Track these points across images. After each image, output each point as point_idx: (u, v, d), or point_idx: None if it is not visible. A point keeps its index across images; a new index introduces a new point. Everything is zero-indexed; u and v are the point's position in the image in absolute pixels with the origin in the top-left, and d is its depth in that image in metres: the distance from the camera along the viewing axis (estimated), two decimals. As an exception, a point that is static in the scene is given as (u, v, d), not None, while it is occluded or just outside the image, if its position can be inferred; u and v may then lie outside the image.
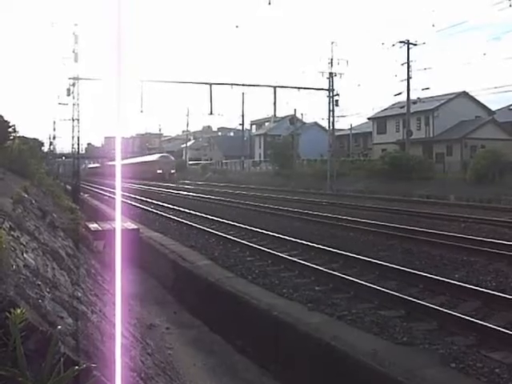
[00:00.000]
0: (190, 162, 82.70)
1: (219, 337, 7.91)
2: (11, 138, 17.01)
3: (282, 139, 60.74)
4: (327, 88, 41.71)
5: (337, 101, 42.30)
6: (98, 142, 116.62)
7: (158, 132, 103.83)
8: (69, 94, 37.20)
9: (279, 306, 7.15)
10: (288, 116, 61.10)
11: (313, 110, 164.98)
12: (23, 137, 21.67)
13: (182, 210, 21.36)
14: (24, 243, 4.34)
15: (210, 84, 37.08)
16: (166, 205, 23.97)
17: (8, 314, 2.08)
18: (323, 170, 42.98)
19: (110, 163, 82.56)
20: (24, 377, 1.99)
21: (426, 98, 44.25)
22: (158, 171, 66.84)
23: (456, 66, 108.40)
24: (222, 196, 29.39)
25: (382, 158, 41.12)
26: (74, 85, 36.45)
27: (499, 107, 54.94)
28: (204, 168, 72.42)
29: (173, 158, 74.26)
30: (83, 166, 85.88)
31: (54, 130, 65.50)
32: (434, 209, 19.37)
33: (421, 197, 29.59)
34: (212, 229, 15.13)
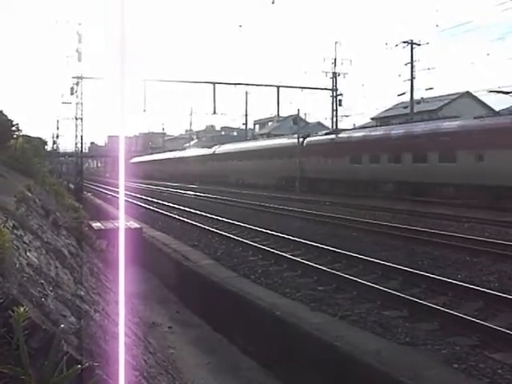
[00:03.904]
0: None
1: (221, 336, 7.92)
2: (15, 136, 17.06)
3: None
4: (331, 88, 41.65)
5: (340, 100, 42.25)
6: (101, 141, 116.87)
7: (161, 131, 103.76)
8: (72, 93, 37.24)
9: (282, 305, 7.16)
10: (291, 116, 60.91)
11: (316, 110, 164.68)
12: (27, 136, 21.74)
13: (185, 209, 21.39)
14: (27, 242, 4.35)
15: (214, 83, 37.12)
16: (170, 204, 24.05)
17: (11, 313, 2.09)
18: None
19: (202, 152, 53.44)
20: (27, 375, 2.00)
21: (430, 98, 44.06)
22: None
23: (460, 66, 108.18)
24: (225, 195, 29.40)
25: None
26: (77, 84, 36.51)
27: (503, 107, 54.75)
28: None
29: None
30: (86, 164, 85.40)
31: (58, 128, 65.39)
32: (438, 208, 19.30)
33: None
34: (215, 228, 15.15)
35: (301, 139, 35.18)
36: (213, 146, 54.45)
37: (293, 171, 34.60)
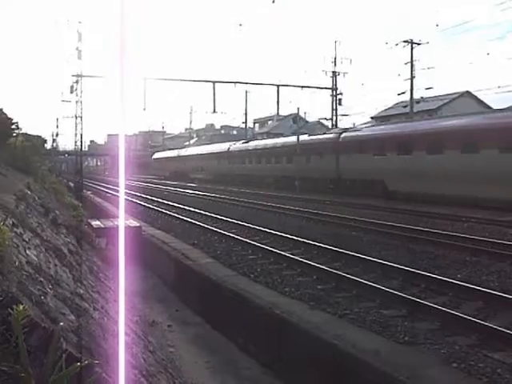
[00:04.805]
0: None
1: (221, 334, 7.91)
2: (14, 134, 17.06)
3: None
4: (331, 87, 41.68)
5: (340, 100, 42.33)
6: (100, 140, 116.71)
7: (161, 130, 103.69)
8: (72, 92, 37.23)
9: (281, 304, 7.15)
10: (291, 115, 60.98)
11: (316, 109, 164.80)
12: (26, 134, 21.74)
13: (184, 207, 21.37)
14: (27, 240, 4.35)
15: (214, 82, 37.15)
16: (170, 203, 24.04)
17: (11, 311, 2.08)
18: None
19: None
20: (26, 373, 1.99)
21: (430, 97, 44.06)
22: None
23: (459, 65, 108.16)
24: (225, 194, 29.39)
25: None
26: (77, 82, 36.47)
27: (503, 107, 54.70)
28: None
29: None
30: (86, 163, 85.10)
31: (57, 127, 65.37)
32: (438, 208, 19.29)
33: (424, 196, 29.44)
34: (214, 227, 15.14)
35: None
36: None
37: None
